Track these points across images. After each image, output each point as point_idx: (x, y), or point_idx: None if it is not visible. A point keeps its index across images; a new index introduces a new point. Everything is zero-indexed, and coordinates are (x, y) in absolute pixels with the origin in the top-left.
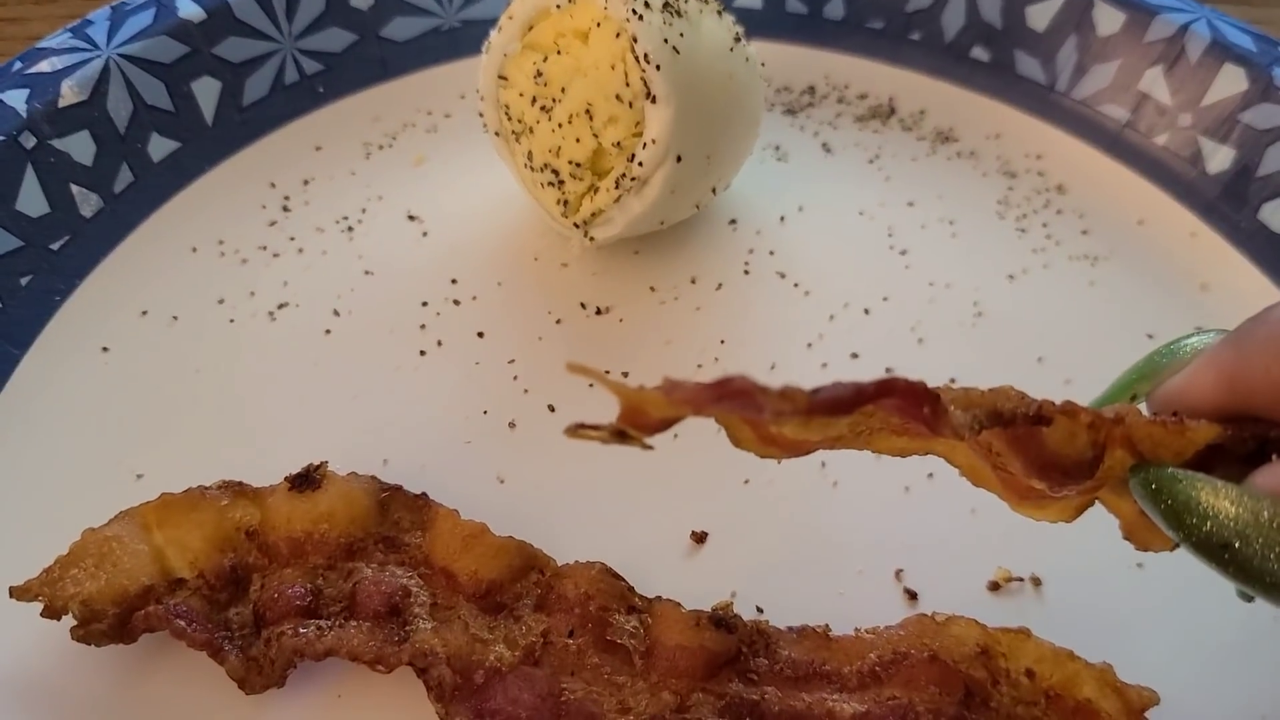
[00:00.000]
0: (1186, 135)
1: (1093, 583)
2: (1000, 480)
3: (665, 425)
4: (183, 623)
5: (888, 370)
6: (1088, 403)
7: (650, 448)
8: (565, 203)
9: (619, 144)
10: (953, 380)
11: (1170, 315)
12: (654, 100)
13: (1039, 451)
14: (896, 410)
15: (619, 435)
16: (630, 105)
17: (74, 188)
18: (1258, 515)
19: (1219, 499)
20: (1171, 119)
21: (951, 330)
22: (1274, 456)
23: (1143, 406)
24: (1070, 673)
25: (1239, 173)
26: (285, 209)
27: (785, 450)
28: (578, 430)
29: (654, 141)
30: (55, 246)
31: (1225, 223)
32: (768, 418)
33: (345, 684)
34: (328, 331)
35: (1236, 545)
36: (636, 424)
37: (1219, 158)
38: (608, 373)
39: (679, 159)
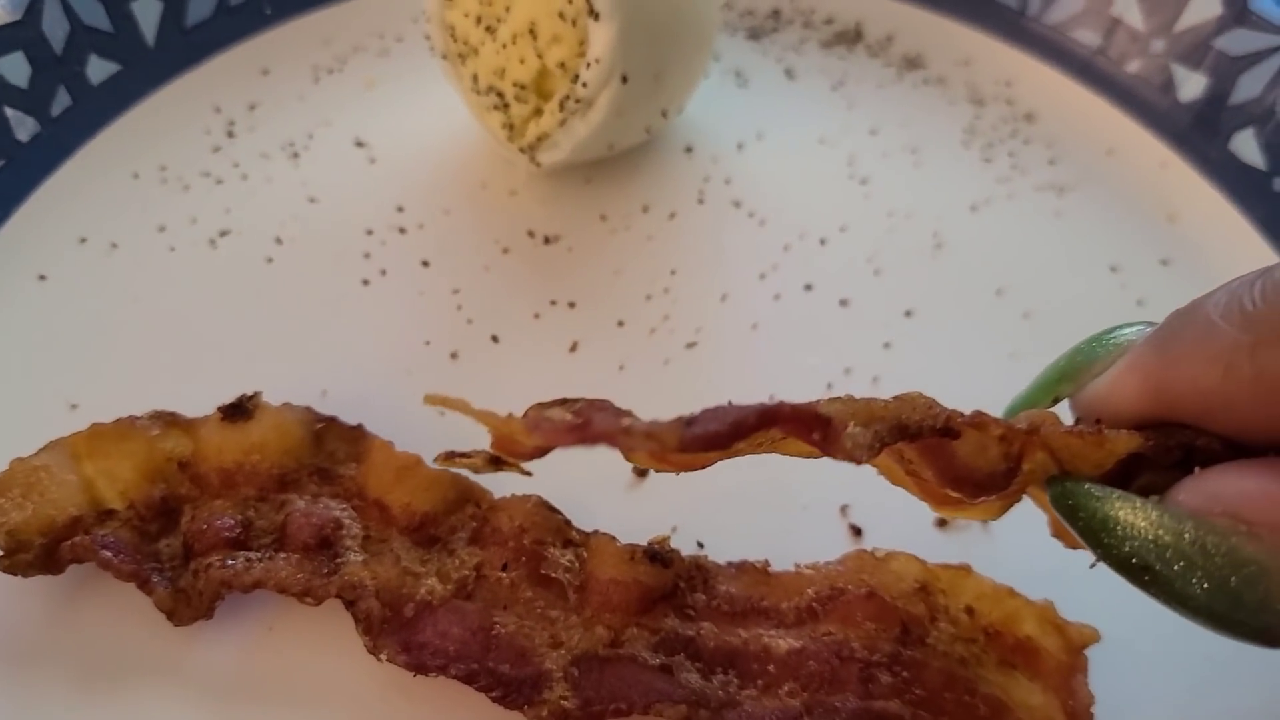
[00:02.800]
0: (1158, 62)
1: (1042, 522)
2: (917, 485)
3: (540, 453)
4: (110, 554)
5: (842, 302)
6: (1045, 343)
7: (528, 474)
8: (511, 127)
9: (563, 64)
10: (908, 313)
11: (1136, 247)
12: (596, 17)
13: (950, 463)
14: (785, 435)
15: (494, 462)
16: (574, 23)
17: (8, 110)
18: (1178, 537)
19: (1137, 518)
20: (1144, 45)
21: (910, 261)
22: (1197, 469)
23: (1066, 409)
24: (1010, 610)
25: (1211, 101)
26: (230, 134)
27: (681, 466)
28: (451, 459)
29: (597, 61)
30: None
31: (1195, 153)
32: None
33: (276, 617)
34: (270, 260)
35: (1157, 568)
36: (510, 452)
37: (1191, 85)
38: (554, 300)
39: (624, 79)
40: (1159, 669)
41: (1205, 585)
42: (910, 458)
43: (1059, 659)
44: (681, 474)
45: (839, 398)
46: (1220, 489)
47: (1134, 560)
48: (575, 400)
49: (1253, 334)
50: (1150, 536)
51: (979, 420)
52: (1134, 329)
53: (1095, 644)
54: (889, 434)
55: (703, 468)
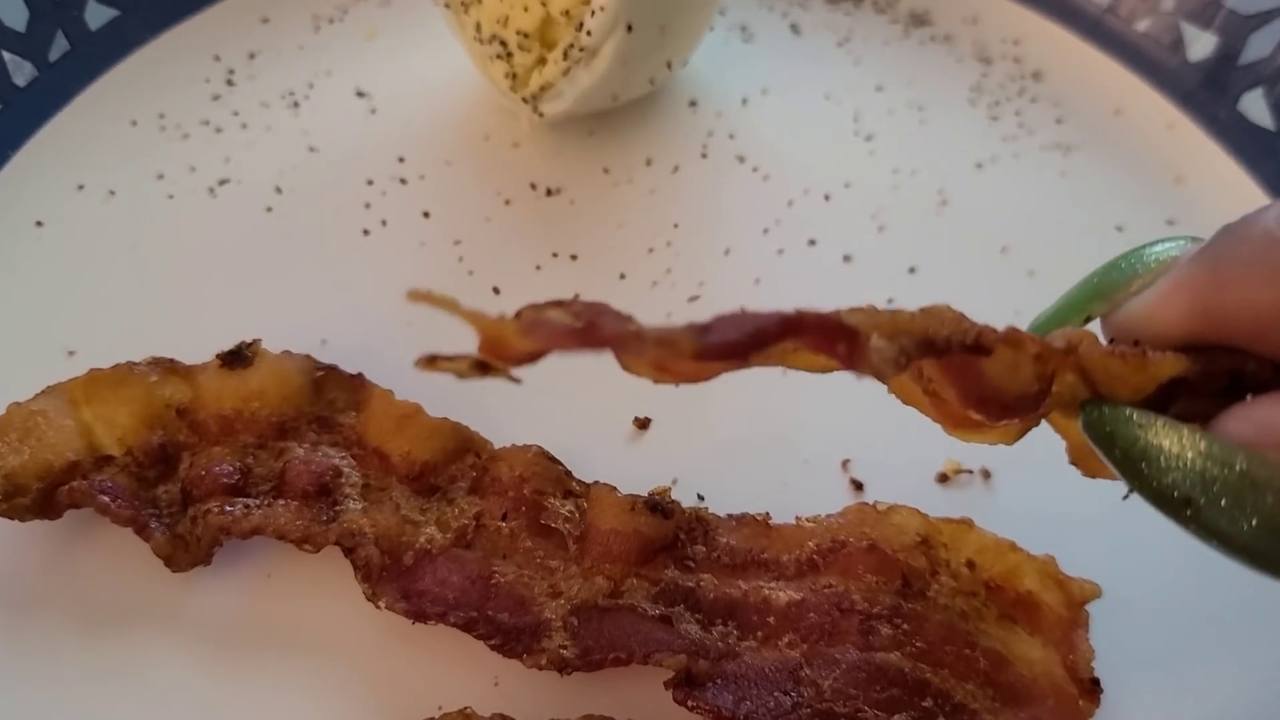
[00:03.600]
0: (1168, 20)
1: (1044, 476)
2: (934, 406)
3: (532, 358)
4: (108, 499)
5: (846, 258)
6: (1049, 302)
7: (516, 380)
8: (514, 76)
9: (567, 13)
10: (912, 269)
11: (1142, 208)
12: None
13: (977, 383)
14: (807, 347)
15: (480, 367)
16: None
17: (5, 55)
18: (1227, 469)
19: (1184, 448)
20: (1154, 3)
21: (914, 218)
22: (1249, 396)
23: (1097, 328)
24: (1012, 564)
25: (1220, 60)
26: (229, 83)
27: (684, 378)
28: (432, 362)
29: (602, 9)
30: None
31: (1203, 113)
32: (648, 364)
33: (275, 564)
34: (269, 209)
35: (1200, 502)
36: (498, 356)
37: (1200, 44)
38: (556, 253)
39: (629, 28)
40: (1160, 626)
41: (1253, 522)
42: (931, 375)
43: (1060, 614)
44: (657, 422)
45: (861, 308)
46: (1275, 419)
47: (1175, 493)
48: (571, 302)
49: None
50: (1197, 468)
51: (1013, 337)
52: (1174, 244)
53: (1096, 599)
54: (916, 349)
55: (708, 379)
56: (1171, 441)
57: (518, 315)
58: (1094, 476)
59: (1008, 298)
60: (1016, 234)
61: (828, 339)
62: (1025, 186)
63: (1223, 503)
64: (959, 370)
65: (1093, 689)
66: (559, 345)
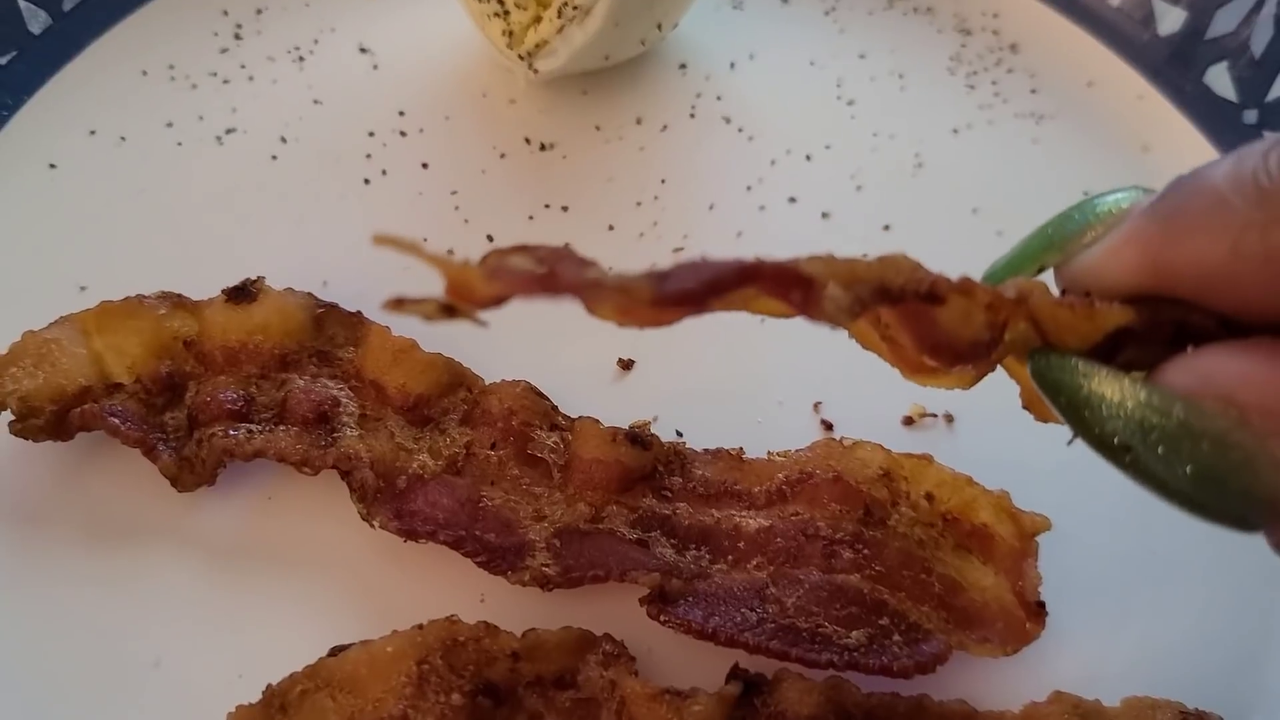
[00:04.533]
0: None
1: (1005, 421)
2: (891, 351)
3: (496, 302)
4: (117, 421)
5: (824, 215)
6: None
7: (483, 324)
8: (510, 34)
9: None
10: (886, 227)
11: (1109, 174)
12: None
13: (931, 330)
14: (765, 294)
15: (446, 310)
16: None
17: (21, 3)
18: (1165, 418)
19: (1123, 397)
20: None
21: (890, 179)
22: (1190, 346)
23: (1050, 278)
24: (968, 497)
25: (1188, 35)
26: (237, 37)
27: (648, 322)
28: (399, 304)
29: None
30: (2, 61)
31: (1171, 86)
32: (611, 309)
33: (276, 487)
34: (274, 158)
35: (1139, 450)
36: (464, 300)
37: (1170, 19)
38: (548, 204)
39: None
40: (1105, 558)
41: (1188, 469)
42: (888, 321)
43: (1011, 544)
44: (640, 363)
45: (820, 256)
46: (1214, 369)
47: (1115, 440)
48: (537, 247)
49: (1266, 211)
50: (1136, 417)
51: (965, 286)
52: (1125, 194)
53: (1046, 532)
54: (871, 297)
55: (670, 323)
56: (1113, 390)
57: (483, 260)
58: (1045, 421)
59: (976, 255)
60: (988, 196)
61: (783, 286)
62: (998, 152)
63: (1160, 450)
64: (914, 317)
65: (1038, 612)
66: (521, 290)
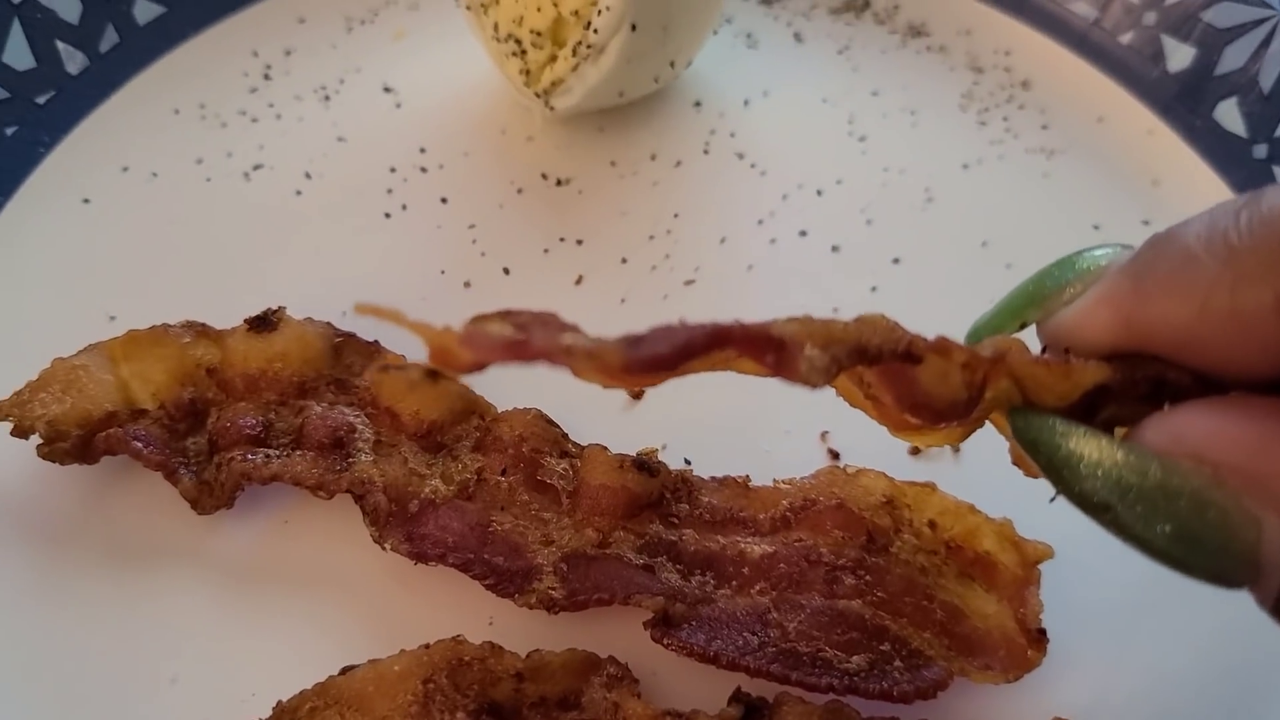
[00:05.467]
0: (1150, 34)
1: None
2: (875, 409)
3: (479, 366)
4: (141, 445)
5: (834, 249)
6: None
7: (465, 386)
8: (527, 72)
9: (577, 12)
10: (896, 260)
11: (1119, 208)
12: None
13: (910, 389)
14: (740, 355)
15: (430, 375)
16: None
17: (60, 44)
18: (1142, 477)
19: (1100, 456)
20: (1137, 17)
21: (900, 213)
22: (1165, 406)
23: (1033, 334)
24: (971, 525)
25: (1197, 71)
26: (266, 77)
27: (629, 385)
28: (386, 370)
29: (608, 8)
30: (41, 100)
31: (1181, 121)
32: (586, 375)
33: (291, 511)
34: (298, 192)
35: (1118, 508)
36: (446, 366)
37: (1179, 56)
38: (563, 238)
39: (634, 27)
40: (1108, 584)
41: (1167, 528)
42: (870, 381)
43: (1014, 572)
44: (650, 392)
45: (797, 318)
46: (1187, 429)
47: (1095, 499)
48: (519, 312)
49: (1234, 269)
50: (1114, 476)
51: (942, 346)
52: (1105, 251)
53: (1049, 560)
54: (848, 357)
55: (654, 385)
56: (1090, 450)
57: (464, 327)
58: (1035, 477)
59: (985, 288)
60: (997, 230)
61: (757, 349)
62: (1008, 186)
63: (1138, 509)
64: (894, 377)
65: (1040, 639)
66: (496, 358)
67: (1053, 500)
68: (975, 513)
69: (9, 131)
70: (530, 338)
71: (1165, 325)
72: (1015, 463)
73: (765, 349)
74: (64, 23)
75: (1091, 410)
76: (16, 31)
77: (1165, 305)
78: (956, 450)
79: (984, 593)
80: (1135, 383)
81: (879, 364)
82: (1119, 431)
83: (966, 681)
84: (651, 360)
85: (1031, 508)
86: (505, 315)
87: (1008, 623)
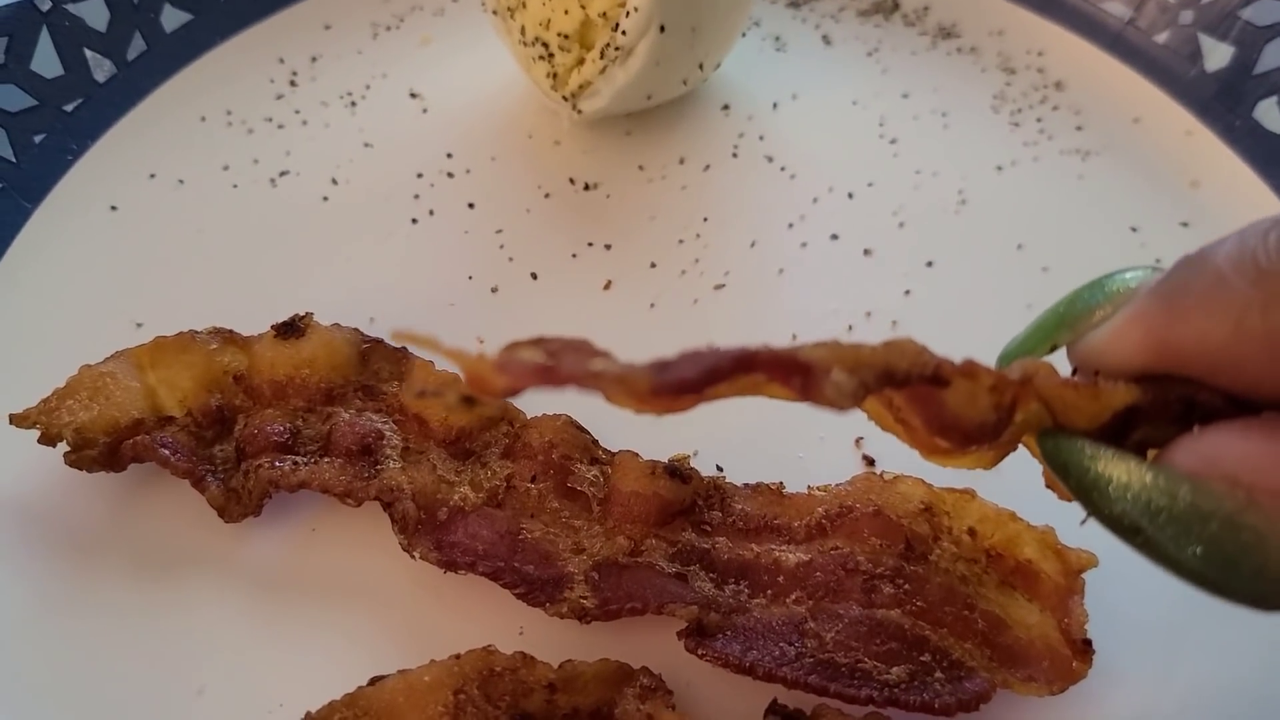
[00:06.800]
0: (1187, 32)
1: None
2: (905, 432)
3: (513, 392)
4: (168, 452)
5: (866, 252)
6: (1061, 295)
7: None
8: (555, 76)
9: (604, 15)
10: (930, 263)
11: (1157, 210)
12: None
13: (939, 412)
14: (767, 380)
15: (466, 401)
16: None
17: (88, 52)
18: (1172, 500)
19: (1130, 479)
20: (1173, 16)
21: (933, 216)
22: (1196, 428)
23: (1063, 356)
24: (1012, 533)
25: (1236, 70)
26: (292, 84)
27: (662, 410)
28: (423, 395)
29: (636, 9)
30: (69, 108)
31: (1220, 121)
32: (617, 399)
33: (319, 518)
34: (325, 198)
35: (1149, 531)
36: (482, 391)
37: (1217, 55)
38: (591, 242)
39: (662, 29)
40: (1155, 595)
41: (1199, 550)
42: (899, 404)
43: (1057, 581)
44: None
45: (824, 342)
46: (1219, 451)
47: (1125, 521)
48: (551, 340)
49: (1266, 290)
50: (1143, 499)
51: (969, 369)
52: (1136, 274)
53: (1093, 568)
54: (875, 381)
55: (686, 410)
56: (1120, 472)
57: (499, 354)
58: (1068, 500)
59: (1022, 291)
60: (1033, 232)
61: (784, 374)
62: (1043, 188)
63: (1169, 531)
64: (922, 400)
65: (1085, 650)
66: (528, 384)
67: (1084, 522)
68: (1016, 520)
69: (37, 139)
70: (561, 364)
71: (1197, 347)
72: (1048, 486)
73: (792, 373)
74: (92, 31)
75: (1123, 433)
76: (45, 39)
77: (1197, 327)
78: None
79: (1026, 602)
80: (1166, 404)
81: (906, 387)
82: (1151, 454)
83: (1009, 693)
84: (678, 384)
85: (1073, 515)
86: (538, 342)
87: (1051, 633)
